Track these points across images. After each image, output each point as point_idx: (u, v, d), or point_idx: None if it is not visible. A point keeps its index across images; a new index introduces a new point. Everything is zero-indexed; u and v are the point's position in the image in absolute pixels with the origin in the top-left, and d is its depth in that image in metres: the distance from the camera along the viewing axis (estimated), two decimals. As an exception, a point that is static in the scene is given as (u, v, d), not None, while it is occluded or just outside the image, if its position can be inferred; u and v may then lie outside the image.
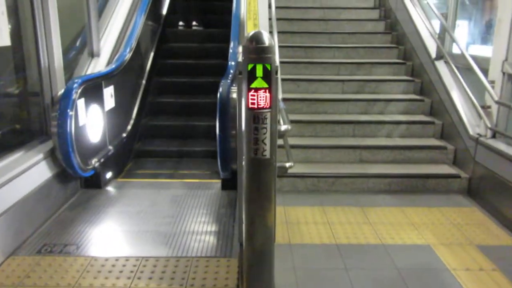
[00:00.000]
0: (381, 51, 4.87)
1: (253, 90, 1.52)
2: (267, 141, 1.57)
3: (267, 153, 1.56)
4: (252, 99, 1.53)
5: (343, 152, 3.66)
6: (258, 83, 1.52)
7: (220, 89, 2.75)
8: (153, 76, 4.49)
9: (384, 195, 2.98)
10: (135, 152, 3.77)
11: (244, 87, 1.54)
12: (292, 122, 3.43)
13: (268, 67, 1.50)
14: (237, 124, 1.68)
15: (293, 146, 3.52)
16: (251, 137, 1.56)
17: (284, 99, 3.82)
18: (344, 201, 2.86)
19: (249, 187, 1.50)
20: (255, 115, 1.55)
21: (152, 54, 4.48)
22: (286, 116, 2.26)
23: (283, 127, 2.06)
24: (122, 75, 3.44)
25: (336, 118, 3.93)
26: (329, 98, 4.12)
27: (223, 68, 3.39)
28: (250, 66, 1.50)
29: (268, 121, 1.54)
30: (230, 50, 3.52)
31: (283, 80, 4.21)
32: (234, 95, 2.70)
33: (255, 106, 1.53)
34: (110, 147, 3.19)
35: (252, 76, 1.50)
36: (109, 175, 3.12)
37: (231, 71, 3.10)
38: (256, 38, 1.49)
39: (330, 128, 3.86)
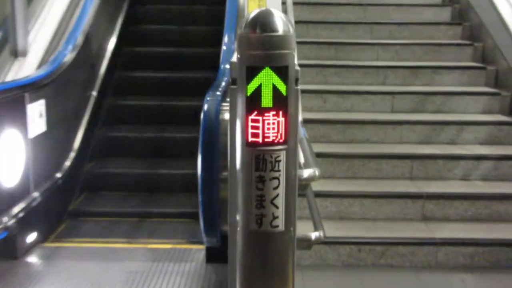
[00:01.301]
0: (448, 50, 4.76)
1: (255, 113, 1.33)
2: (281, 201, 1.36)
3: (280, 223, 1.35)
4: (254, 127, 1.35)
5: (397, 204, 3.47)
6: (265, 100, 1.33)
7: (205, 108, 2.59)
8: (116, 71, 4.52)
9: (463, 275, 2.80)
10: (83, 183, 3.78)
11: (239, 106, 1.37)
12: (317, 155, 3.39)
13: (284, 72, 1.34)
14: (228, 162, 1.50)
15: (318, 194, 3.34)
16: (251, 194, 1.36)
17: (304, 121, 3.65)
18: (400, 283, 2.79)
19: (249, 267, 1.35)
20: (259, 156, 1.35)
21: (114, 41, 4.48)
22: (310, 151, 2.15)
23: (307, 173, 1.87)
24: (61, 83, 3.34)
25: (383, 150, 3.82)
26: (372, 120, 4.02)
27: (216, 61, 3.34)
28: (251, 71, 1.33)
29: (283, 165, 1.35)
30: (224, 47, 3.43)
31: (302, 92, 4.02)
32: (227, 116, 2.57)
33: (260, 140, 1.35)
34: (36, 194, 3.01)
35: (254, 89, 1.34)
36: (31, 237, 2.94)
37: (224, 81, 2.98)
38: (262, 22, 1.29)
39: (375, 166, 3.72)
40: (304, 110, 4.11)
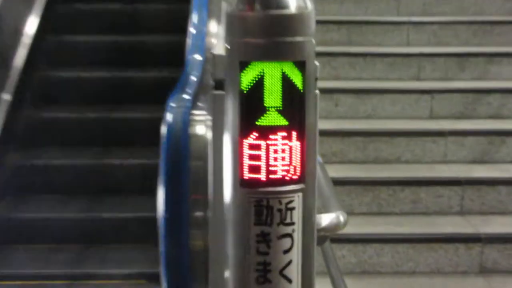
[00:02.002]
0: (507, 31, 4.79)
1: (255, 134, 1.26)
2: (295, 270, 1.30)
3: (295, 301, 1.26)
4: (253, 157, 1.27)
5: (443, 251, 3.46)
6: (271, 114, 1.25)
7: (168, 119, 2.57)
8: (37, 69, 4.57)
9: None
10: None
11: (229, 123, 1.29)
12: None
13: (299, 70, 1.26)
14: (210, 197, 1.47)
15: (331, 238, 3.27)
16: (250, 261, 1.29)
17: None
18: None
19: None
20: (260, 202, 1.28)
21: (35, 25, 4.54)
22: (327, 182, 2.16)
23: (327, 219, 1.85)
24: None
25: (421, 172, 3.85)
26: (404, 130, 4.05)
27: (177, 55, 3.44)
28: (249, 72, 1.24)
29: (298, 215, 1.29)
30: (192, 30, 3.43)
31: None
32: (200, 130, 2.59)
33: (262, 176, 1.27)
34: None
35: (253, 99, 1.25)
36: None
37: (192, 78, 2.96)
38: (266, -8, 1.19)
39: (411, 196, 3.73)
40: None
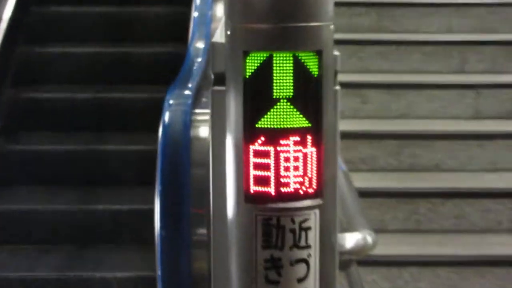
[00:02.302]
0: None
1: (262, 138, 1.27)
2: None
3: None
4: (259, 166, 1.29)
5: (494, 277, 3.45)
6: (281, 115, 1.27)
7: (165, 119, 2.61)
8: (20, 44, 4.66)
9: None
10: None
11: (231, 125, 1.31)
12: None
13: (316, 61, 1.27)
14: (211, 222, 1.48)
15: (359, 260, 3.25)
16: None
17: None
18: None
19: None
20: (269, 220, 1.29)
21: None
22: (352, 195, 2.23)
23: (352, 240, 1.87)
24: None
25: (465, 183, 3.84)
26: (444, 132, 4.07)
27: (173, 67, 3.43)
28: (253, 64, 1.26)
29: (315, 236, 1.31)
30: (194, 14, 3.53)
31: None
32: (203, 133, 2.63)
33: (271, 189, 1.29)
34: None
35: (259, 96, 1.27)
36: None
37: (195, 70, 3.02)
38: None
39: (454, 211, 3.73)
40: None
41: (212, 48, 1.34)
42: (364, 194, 3.63)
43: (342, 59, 4.46)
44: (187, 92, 2.79)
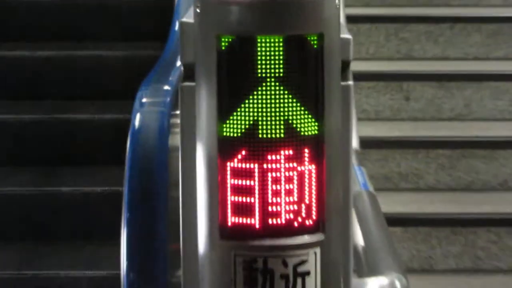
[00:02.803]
0: None
1: (243, 152, 1.30)
2: None
3: None
4: (240, 189, 1.31)
5: None
6: (268, 121, 1.28)
7: (136, 123, 2.67)
8: None
9: None
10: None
11: (201, 133, 1.34)
12: (396, 222, 3.51)
13: (314, 49, 1.28)
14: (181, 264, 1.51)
15: None
16: None
17: (362, 144, 3.65)
18: None
19: None
20: (253, 263, 1.31)
21: None
22: (378, 227, 2.18)
23: (375, 286, 1.86)
24: None
25: None
26: None
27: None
28: (230, 53, 1.28)
29: (316, 283, 1.33)
30: None
31: (358, 77, 4.05)
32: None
33: (254, 221, 1.31)
34: None
35: (236, 93, 1.30)
36: None
37: (178, 59, 3.10)
38: None
39: None
40: (362, 118, 4.13)
41: (180, 30, 1.36)
42: (406, 221, 3.69)
43: (377, 41, 4.48)
44: (166, 87, 2.81)
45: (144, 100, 2.76)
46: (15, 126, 4.33)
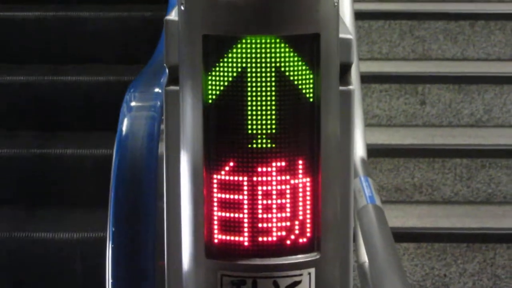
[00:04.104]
0: None
1: (231, 163, 1.31)
2: None
3: None
4: (226, 204, 1.31)
5: None
6: (258, 128, 1.29)
7: (123, 129, 2.69)
8: None
9: None
10: None
11: (186, 141, 1.35)
12: (408, 236, 3.52)
13: (310, 49, 1.29)
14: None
15: None
16: None
17: (371, 154, 3.66)
18: None
19: None
20: (242, 285, 1.34)
21: None
22: (385, 244, 2.18)
23: None
24: None
25: None
26: None
27: None
28: (219, 56, 1.30)
29: None
30: None
31: (367, 79, 4.17)
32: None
33: (243, 238, 1.32)
34: None
35: (225, 101, 1.32)
36: None
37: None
38: None
39: None
40: (373, 124, 4.15)
41: (165, 28, 1.37)
42: (420, 236, 3.69)
43: (390, 39, 4.50)
44: (156, 89, 2.82)
45: (132, 103, 2.78)
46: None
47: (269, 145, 1.25)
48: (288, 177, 1.26)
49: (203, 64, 1.25)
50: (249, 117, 1.26)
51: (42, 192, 4.29)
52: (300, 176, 1.27)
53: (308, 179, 1.27)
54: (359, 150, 2.79)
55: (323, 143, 1.28)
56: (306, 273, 1.29)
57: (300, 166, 1.27)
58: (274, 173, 1.26)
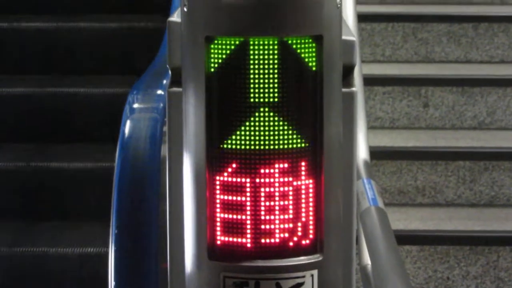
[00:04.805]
0: None
1: (233, 165, 1.31)
2: None
3: None
4: (229, 205, 1.31)
5: None
6: (261, 130, 1.29)
7: (126, 130, 2.70)
8: None
9: None
10: None
11: (188, 143, 1.35)
12: (411, 238, 3.50)
13: (312, 52, 1.29)
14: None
15: None
16: None
17: (374, 157, 3.67)
18: None
19: None
20: (245, 287, 1.34)
21: None
22: (386, 247, 2.17)
23: None
24: None
25: None
26: None
27: None
28: (220, 57, 1.30)
29: None
30: None
31: (370, 81, 4.16)
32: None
33: (246, 239, 1.32)
34: None
35: (228, 103, 1.32)
36: None
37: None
38: None
39: None
40: (376, 127, 4.16)
41: (168, 30, 1.37)
42: (422, 239, 3.70)
43: (393, 42, 4.49)
44: (159, 91, 2.81)
45: (135, 105, 2.77)
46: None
47: (271, 147, 1.26)
48: (290, 179, 1.26)
49: (205, 65, 1.25)
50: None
51: (42, 205, 4.26)
52: (303, 177, 1.27)
53: (310, 181, 1.27)
54: (362, 153, 2.79)
55: (326, 145, 1.28)
56: (309, 274, 1.29)
57: (303, 168, 1.27)
58: (276, 175, 1.26)
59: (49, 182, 4.33)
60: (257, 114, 1.26)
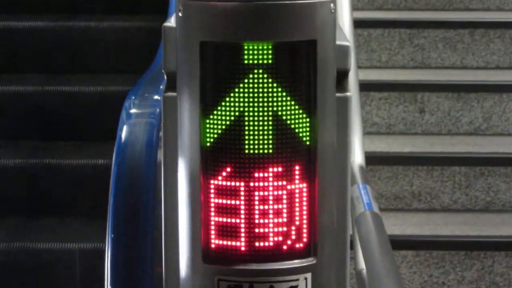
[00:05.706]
0: None
1: (228, 169, 1.30)
2: None
3: None
4: (223, 209, 1.31)
5: None
6: (254, 134, 1.29)
7: (122, 135, 2.69)
8: None
9: None
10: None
11: (183, 147, 1.35)
12: (407, 243, 3.60)
13: (306, 56, 1.29)
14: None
15: None
16: None
17: (376, 161, 3.70)
18: None
19: None
20: None
21: None
22: (381, 250, 2.17)
23: None
24: None
25: None
26: None
27: None
28: (215, 63, 1.31)
29: None
30: None
31: (365, 87, 4.13)
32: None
33: (240, 243, 1.32)
34: None
35: (222, 107, 1.32)
36: None
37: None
38: None
39: None
40: (372, 132, 4.16)
41: (163, 35, 1.36)
42: (418, 244, 3.69)
43: (388, 47, 4.49)
44: (155, 96, 2.80)
45: (131, 110, 2.76)
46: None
47: (265, 151, 1.25)
48: (284, 183, 1.26)
49: (200, 70, 1.25)
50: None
51: (41, 201, 4.27)
52: (297, 181, 1.27)
53: (304, 185, 1.27)
54: (357, 158, 2.78)
55: (320, 149, 1.28)
56: (303, 278, 1.28)
57: (297, 172, 1.26)
58: (270, 179, 1.26)
59: (47, 177, 4.35)
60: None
